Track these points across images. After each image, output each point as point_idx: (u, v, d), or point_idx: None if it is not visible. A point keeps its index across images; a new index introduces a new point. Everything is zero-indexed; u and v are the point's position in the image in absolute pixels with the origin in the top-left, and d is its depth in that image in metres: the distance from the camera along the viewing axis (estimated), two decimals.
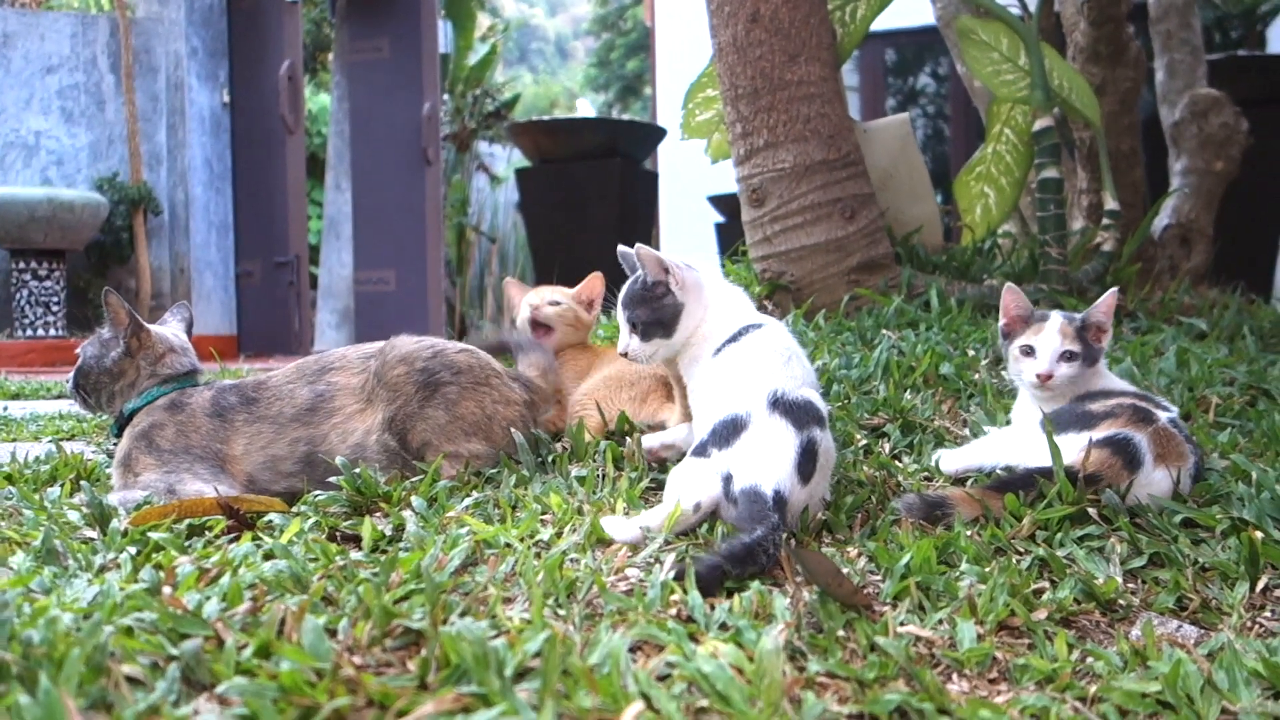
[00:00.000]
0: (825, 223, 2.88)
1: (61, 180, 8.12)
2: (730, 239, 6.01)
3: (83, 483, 1.78)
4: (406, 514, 1.52)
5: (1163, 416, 1.57)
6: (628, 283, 1.69)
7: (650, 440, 1.73)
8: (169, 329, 1.96)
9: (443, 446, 1.74)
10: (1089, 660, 1.11)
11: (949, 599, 1.21)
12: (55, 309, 7.55)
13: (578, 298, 2.26)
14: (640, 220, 7.41)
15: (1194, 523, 1.47)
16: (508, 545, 1.35)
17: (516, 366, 1.98)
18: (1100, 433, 1.51)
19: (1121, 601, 1.26)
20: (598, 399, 1.92)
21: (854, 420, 1.92)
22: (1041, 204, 3.08)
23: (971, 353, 2.39)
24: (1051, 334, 1.71)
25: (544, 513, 1.50)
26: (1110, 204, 3.21)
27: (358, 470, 1.66)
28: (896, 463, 1.76)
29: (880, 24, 3.32)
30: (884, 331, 2.55)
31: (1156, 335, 2.70)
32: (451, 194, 13.21)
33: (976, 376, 2.21)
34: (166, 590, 1.14)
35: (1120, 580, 1.29)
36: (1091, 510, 1.45)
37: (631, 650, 1.04)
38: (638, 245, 1.66)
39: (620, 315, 1.67)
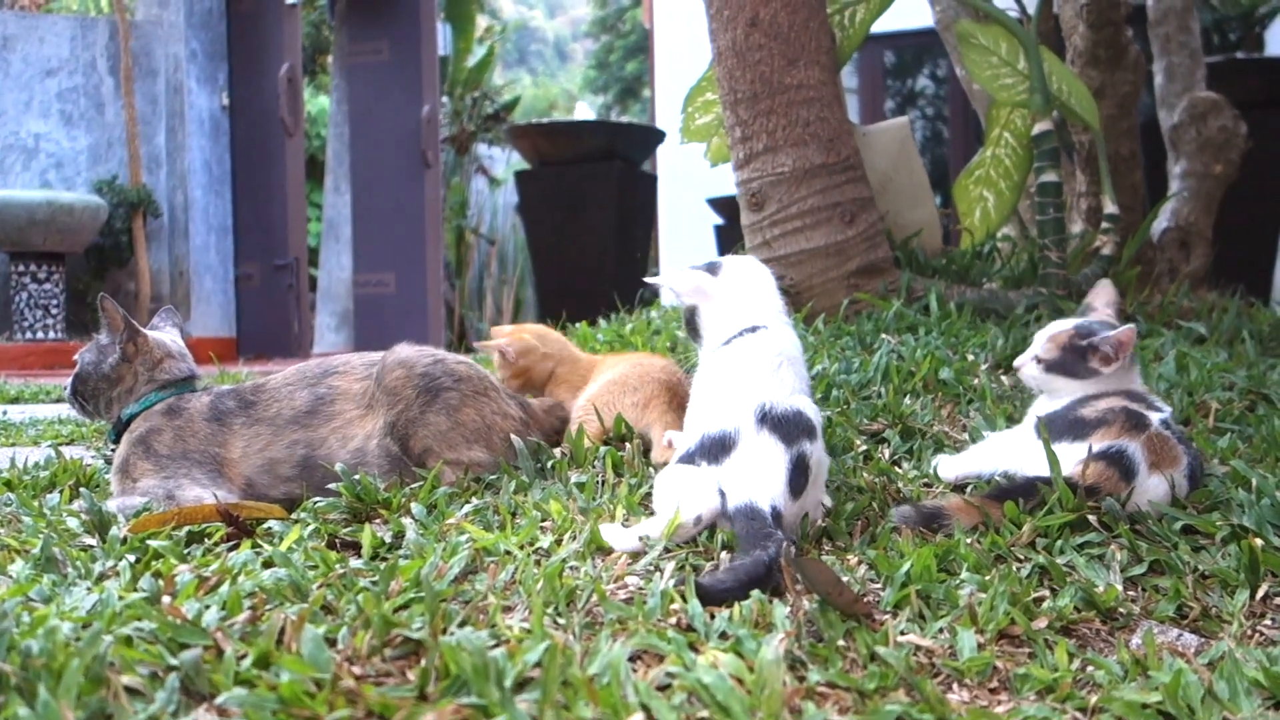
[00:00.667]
0: (824, 227, 2.88)
1: (61, 183, 8.12)
2: (729, 241, 6.01)
3: (82, 489, 1.78)
4: (406, 521, 1.52)
5: (1155, 419, 1.56)
6: None
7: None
8: (166, 334, 1.96)
9: (444, 453, 1.74)
10: (1089, 669, 1.11)
11: (949, 607, 1.21)
12: (54, 312, 7.55)
13: (502, 369, 2.20)
14: (639, 223, 7.41)
15: (1194, 529, 1.47)
16: (507, 553, 1.35)
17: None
18: (1094, 443, 1.51)
19: (1122, 609, 1.25)
20: (599, 404, 1.92)
21: (854, 426, 1.92)
22: (1041, 207, 3.08)
23: (971, 357, 2.39)
24: (1043, 335, 1.76)
25: (544, 520, 1.50)
26: (1109, 207, 3.21)
27: (357, 476, 1.66)
28: (896, 469, 1.76)
29: (879, 26, 3.32)
30: (883, 336, 2.55)
31: (1156, 339, 2.70)
32: (451, 196, 13.21)
33: (976, 381, 2.21)
34: (166, 599, 1.14)
35: (1120, 588, 1.29)
36: (1091, 517, 1.45)
37: (631, 660, 1.04)
38: (661, 275, 1.71)
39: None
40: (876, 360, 2.27)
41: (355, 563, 1.33)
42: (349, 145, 10.15)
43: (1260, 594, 1.30)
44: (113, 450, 1.86)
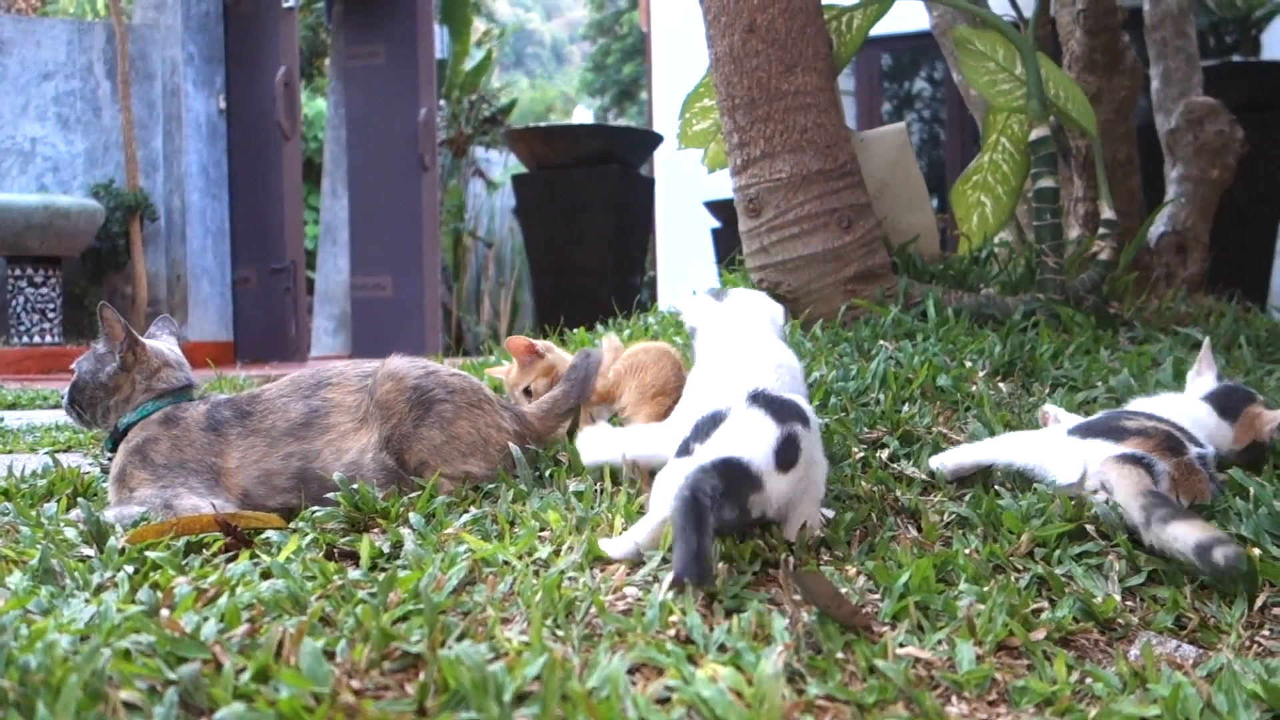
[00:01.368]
0: (822, 233, 2.88)
1: (57, 187, 8.12)
2: (727, 244, 6.02)
3: (80, 499, 1.77)
4: (404, 531, 1.52)
5: (1193, 451, 1.57)
6: None
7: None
8: (164, 343, 1.96)
9: (440, 467, 1.73)
10: (1088, 681, 1.11)
11: (948, 619, 1.21)
12: (51, 316, 7.54)
13: (521, 364, 2.20)
14: (637, 227, 7.41)
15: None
16: (506, 563, 1.35)
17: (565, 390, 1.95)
18: (1125, 448, 1.52)
19: (1120, 620, 1.26)
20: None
21: (852, 434, 1.92)
22: (1038, 213, 3.08)
23: (969, 363, 2.39)
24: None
25: (542, 529, 1.50)
26: (1106, 213, 3.21)
27: (355, 486, 1.66)
28: (895, 479, 1.76)
29: (876, 29, 3.32)
30: (881, 342, 2.55)
31: (1153, 345, 2.71)
32: (448, 200, 13.21)
33: (974, 388, 2.21)
34: (164, 612, 1.14)
35: (1119, 599, 1.29)
36: (1090, 527, 1.45)
37: (630, 673, 1.04)
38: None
39: None
40: (874, 367, 2.27)
41: (354, 574, 1.33)
42: (346, 148, 10.16)
43: (1258, 604, 1.30)
44: (109, 459, 1.86)
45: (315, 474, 1.74)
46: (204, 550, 1.48)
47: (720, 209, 7.84)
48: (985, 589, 1.27)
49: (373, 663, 1.03)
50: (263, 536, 1.53)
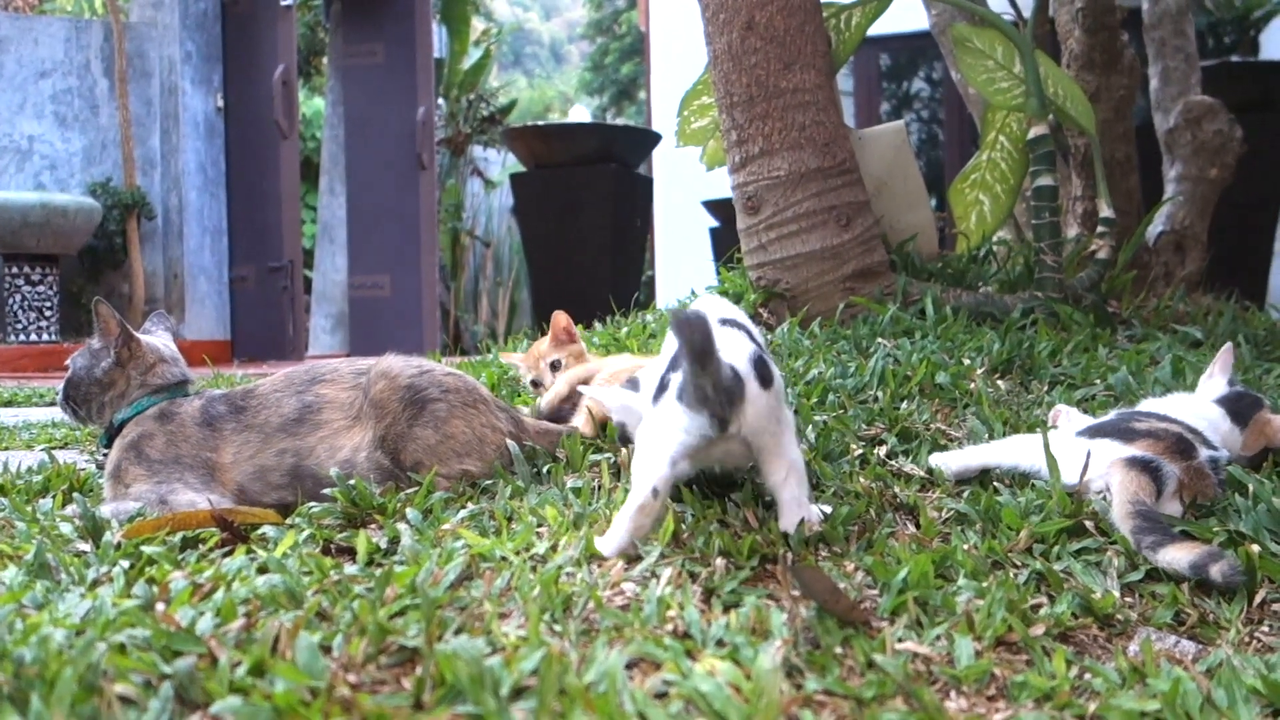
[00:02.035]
0: (820, 230, 2.87)
1: (55, 185, 8.11)
2: (725, 243, 6.01)
3: (75, 494, 1.77)
4: (401, 526, 1.51)
5: (1205, 454, 1.56)
6: None
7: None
8: (159, 339, 1.95)
9: (436, 467, 1.72)
10: (1087, 677, 1.10)
11: (947, 614, 1.20)
12: (48, 314, 7.53)
13: (556, 339, 2.28)
14: (635, 226, 7.41)
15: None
16: (503, 559, 1.34)
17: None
18: (1135, 450, 1.51)
19: (1119, 616, 1.25)
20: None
21: (851, 431, 1.92)
22: (1036, 211, 3.08)
23: (967, 361, 2.39)
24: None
25: (539, 525, 1.49)
26: (1105, 211, 3.21)
27: (352, 481, 1.65)
28: (893, 475, 1.76)
29: (875, 29, 3.33)
30: (879, 340, 2.55)
31: (1152, 344, 2.70)
32: (446, 199, 13.21)
33: (972, 386, 2.20)
34: (160, 606, 1.14)
35: (1118, 595, 1.29)
36: (1089, 523, 1.45)
37: (628, 667, 1.03)
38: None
39: None
40: (873, 365, 2.27)
41: (350, 569, 1.32)
42: (344, 147, 10.15)
43: (1258, 600, 1.30)
44: (105, 455, 1.85)
45: (309, 470, 1.73)
46: (200, 545, 1.48)
47: (719, 208, 7.83)
48: (984, 584, 1.27)
49: (369, 657, 1.03)
50: (259, 532, 1.52)
